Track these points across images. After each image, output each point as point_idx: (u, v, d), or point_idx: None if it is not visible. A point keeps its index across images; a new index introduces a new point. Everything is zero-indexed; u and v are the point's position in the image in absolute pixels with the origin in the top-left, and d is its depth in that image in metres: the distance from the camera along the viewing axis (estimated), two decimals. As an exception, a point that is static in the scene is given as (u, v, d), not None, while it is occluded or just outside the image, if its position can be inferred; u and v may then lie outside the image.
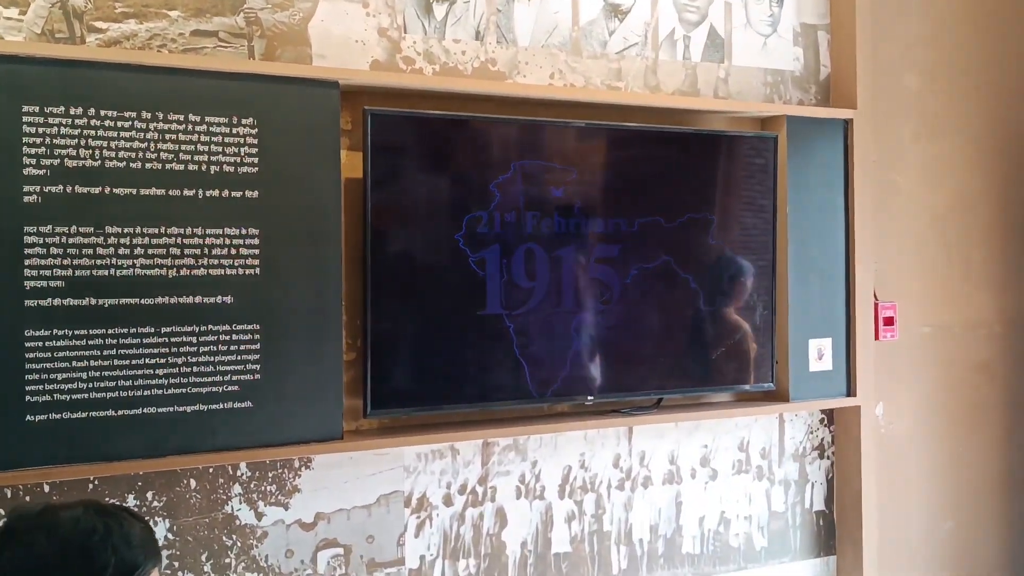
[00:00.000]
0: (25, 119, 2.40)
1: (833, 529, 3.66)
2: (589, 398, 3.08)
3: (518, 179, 2.99)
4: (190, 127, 2.55)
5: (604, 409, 3.16)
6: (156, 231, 2.52)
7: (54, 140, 2.42)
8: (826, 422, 3.65)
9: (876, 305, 3.58)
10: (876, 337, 3.58)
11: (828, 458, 3.66)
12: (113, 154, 2.48)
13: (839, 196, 3.49)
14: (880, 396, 3.67)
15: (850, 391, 3.51)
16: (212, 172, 2.58)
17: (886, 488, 3.69)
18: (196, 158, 2.56)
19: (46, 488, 2.50)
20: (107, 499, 2.56)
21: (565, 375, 3.04)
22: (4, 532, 1.60)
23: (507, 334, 2.95)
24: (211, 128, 2.58)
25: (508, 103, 3.03)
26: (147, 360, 2.51)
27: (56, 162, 2.42)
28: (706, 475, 3.43)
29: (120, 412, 2.47)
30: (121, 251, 2.48)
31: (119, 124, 2.48)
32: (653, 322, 3.17)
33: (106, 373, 2.46)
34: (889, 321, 3.62)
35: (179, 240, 2.54)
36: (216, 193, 2.58)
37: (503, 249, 2.96)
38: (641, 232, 3.13)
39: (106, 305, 2.46)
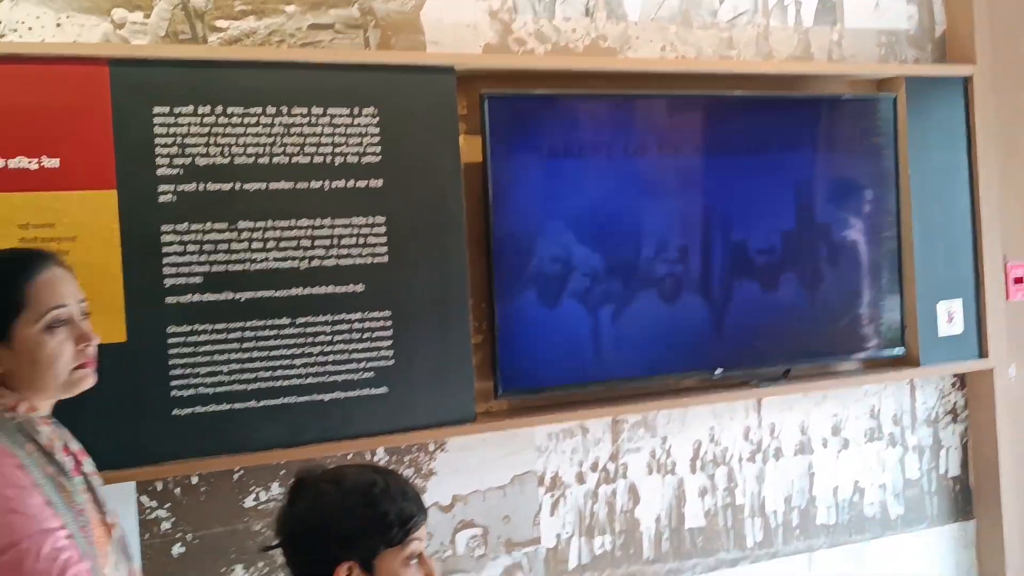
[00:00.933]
0: (156, 120, 2.45)
1: (970, 494, 3.58)
2: (717, 371, 3.05)
3: (637, 154, 2.97)
4: (314, 119, 2.59)
5: (731, 382, 3.12)
6: (286, 224, 2.55)
7: (185, 139, 2.47)
8: (958, 386, 3.57)
9: (1006, 265, 3.48)
10: (1007, 297, 3.48)
11: (962, 422, 3.57)
12: (241, 150, 2.52)
13: (961, 155, 3.40)
14: (1013, 357, 3.56)
15: (982, 353, 3.42)
16: (337, 163, 2.61)
17: (1021, 450, 3.59)
18: (321, 150, 2.59)
19: (194, 480, 2.57)
20: (252, 488, 2.62)
21: (691, 349, 3.01)
22: (296, 484, 1.77)
23: (631, 310, 2.94)
24: (334, 120, 2.61)
25: (621, 79, 3.01)
26: (284, 351, 2.55)
27: (188, 161, 2.47)
28: (838, 444, 3.37)
29: (261, 403, 2.52)
30: (254, 245, 2.52)
31: (245, 120, 2.53)
32: (779, 291, 3.12)
33: (246, 365, 2.51)
34: (1020, 280, 3.52)
35: (309, 232, 2.57)
36: (342, 184, 2.61)
37: (625, 225, 2.94)
38: (765, 202, 3.10)
39: (243, 299, 2.51)
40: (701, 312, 3.02)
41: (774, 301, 3.12)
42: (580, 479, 3.02)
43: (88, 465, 1.84)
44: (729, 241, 3.06)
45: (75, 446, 1.84)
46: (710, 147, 3.06)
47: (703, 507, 3.18)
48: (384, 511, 1.71)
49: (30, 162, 2.32)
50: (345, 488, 1.73)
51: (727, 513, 3.22)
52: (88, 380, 1.82)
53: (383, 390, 2.64)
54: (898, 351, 3.28)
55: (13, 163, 2.31)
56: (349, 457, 2.70)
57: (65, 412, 1.86)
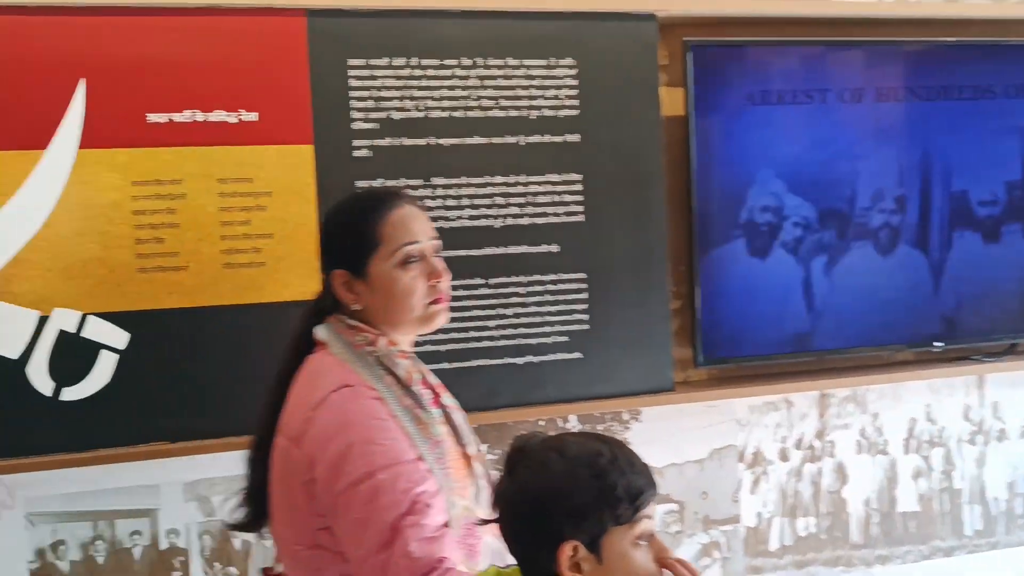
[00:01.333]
0: (351, 73, 2.39)
1: None
2: (936, 344, 2.81)
3: (849, 101, 2.76)
4: (509, 71, 2.48)
5: (950, 356, 2.88)
6: (481, 181, 2.46)
7: (379, 93, 2.40)
8: None
9: None
10: None
11: None
12: (436, 104, 2.44)
13: None
14: None
15: None
16: (533, 117, 2.50)
17: None
18: (517, 103, 2.49)
19: (385, 442, 2.51)
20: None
21: (909, 319, 2.80)
22: (515, 452, 1.59)
23: (844, 268, 2.74)
24: (530, 72, 2.49)
25: (833, 25, 2.80)
26: (478, 312, 2.47)
27: (383, 115, 2.40)
28: (1069, 428, 3.10)
29: (454, 364, 2.45)
30: (448, 202, 2.44)
31: (440, 73, 2.44)
32: (1003, 247, 2.87)
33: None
34: None
35: (504, 189, 2.48)
36: (538, 139, 2.50)
37: (836, 184, 2.74)
38: (987, 150, 2.85)
39: (437, 257, 2.43)
40: (919, 270, 2.80)
41: (998, 260, 2.87)
42: (783, 456, 2.84)
43: (447, 398, 1.85)
44: (952, 205, 2.82)
45: (433, 380, 1.86)
46: (927, 93, 2.83)
47: (917, 490, 2.97)
48: (612, 483, 1.50)
49: (228, 115, 2.29)
50: (569, 457, 1.53)
51: (943, 498, 2.99)
52: (442, 316, 1.83)
53: (577, 355, 2.53)
54: None
55: (213, 116, 2.28)
56: (542, 423, 2.61)
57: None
